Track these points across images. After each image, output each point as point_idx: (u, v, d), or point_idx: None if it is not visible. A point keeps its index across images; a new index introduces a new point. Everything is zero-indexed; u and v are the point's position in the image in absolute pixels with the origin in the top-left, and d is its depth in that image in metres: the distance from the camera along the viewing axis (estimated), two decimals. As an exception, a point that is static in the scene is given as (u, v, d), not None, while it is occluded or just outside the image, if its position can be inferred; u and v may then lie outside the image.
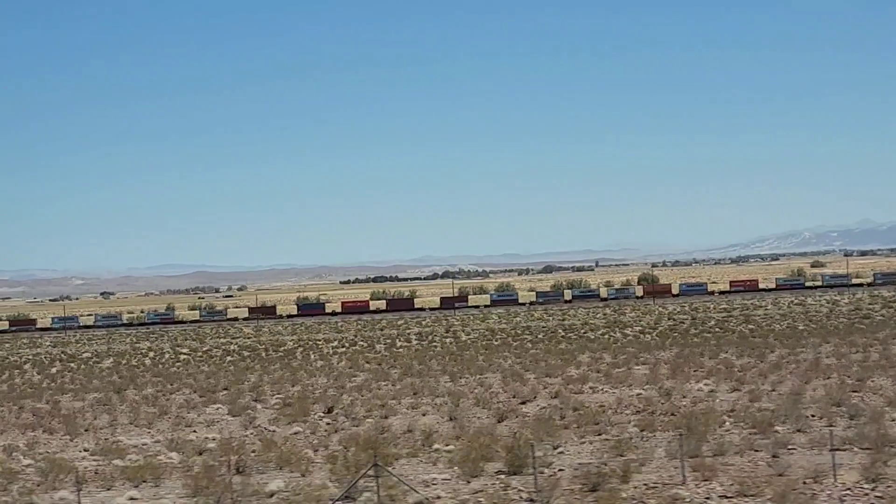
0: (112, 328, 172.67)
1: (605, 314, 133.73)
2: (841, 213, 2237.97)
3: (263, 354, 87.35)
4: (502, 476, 22.71)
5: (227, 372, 66.69)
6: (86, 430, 38.00)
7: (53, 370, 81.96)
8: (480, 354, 68.35)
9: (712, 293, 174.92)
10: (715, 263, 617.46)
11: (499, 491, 21.38)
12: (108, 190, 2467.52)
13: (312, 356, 79.90)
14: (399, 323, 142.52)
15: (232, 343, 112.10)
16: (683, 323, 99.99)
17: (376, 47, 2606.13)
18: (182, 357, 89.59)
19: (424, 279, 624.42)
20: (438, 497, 20.77)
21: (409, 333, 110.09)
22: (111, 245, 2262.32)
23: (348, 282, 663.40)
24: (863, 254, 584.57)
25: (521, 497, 20.68)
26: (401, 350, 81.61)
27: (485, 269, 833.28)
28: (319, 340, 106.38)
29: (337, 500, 19.24)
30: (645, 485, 21.82)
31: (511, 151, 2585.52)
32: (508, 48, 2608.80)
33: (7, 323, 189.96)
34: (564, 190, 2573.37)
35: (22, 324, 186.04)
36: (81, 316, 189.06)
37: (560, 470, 23.60)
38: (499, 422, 33.53)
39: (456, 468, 23.77)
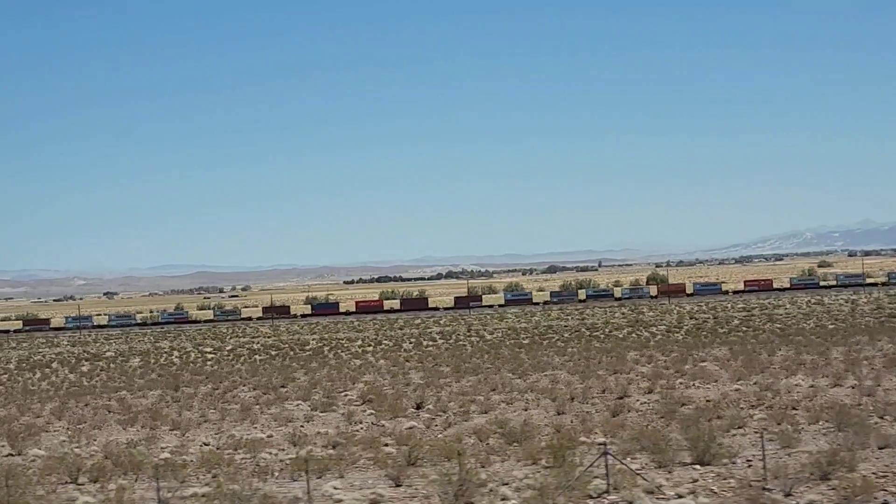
0: (126, 328, 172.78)
1: (623, 313, 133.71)
2: (842, 214, 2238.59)
3: (291, 353, 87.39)
4: (698, 467, 22.64)
5: (269, 370, 66.68)
6: (198, 425, 37.98)
7: (84, 369, 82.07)
8: (519, 353, 68.43)
9: (726, 293, 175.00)
10: (719, 263, 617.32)
11: (719, 480, 21.39)
12: (109, 190, 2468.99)
13: (344, 355, 79.89)
14: (416, 322, 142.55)
15: (253, 342, 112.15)
16: (707, 322, 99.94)
17: (377, 47, 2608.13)
18: (209, 356, 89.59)
19: (428, 279, 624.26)
20: (660, 486, 20.75)
21: (430, 333, 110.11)
22: (112, 245, 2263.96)
23: (352, 282, 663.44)
24: (867, 254, 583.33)
25: (751, 485, 20.49)
26: (430, 349, 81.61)
27: (487, 269, 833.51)
28: (342, 339, 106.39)
29: (565, 488, 19.27)
30: (874, 474, 21.57)
31: (511, 151, 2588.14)
32: (509, 48, 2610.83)
33: (21, 322, 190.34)
34: (565, 190, 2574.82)
35: (35, 323, 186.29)
36: (95, 315, 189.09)
37: (748, 460, 23.59)
38: (613, 416, 33.54)
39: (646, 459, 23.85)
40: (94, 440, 35.21)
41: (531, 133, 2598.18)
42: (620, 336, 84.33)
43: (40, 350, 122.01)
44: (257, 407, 41.98)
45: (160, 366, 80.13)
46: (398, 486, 22.68)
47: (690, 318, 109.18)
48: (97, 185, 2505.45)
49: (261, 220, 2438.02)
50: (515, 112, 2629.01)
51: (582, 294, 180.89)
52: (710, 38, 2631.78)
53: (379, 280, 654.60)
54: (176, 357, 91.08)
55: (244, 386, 54.07)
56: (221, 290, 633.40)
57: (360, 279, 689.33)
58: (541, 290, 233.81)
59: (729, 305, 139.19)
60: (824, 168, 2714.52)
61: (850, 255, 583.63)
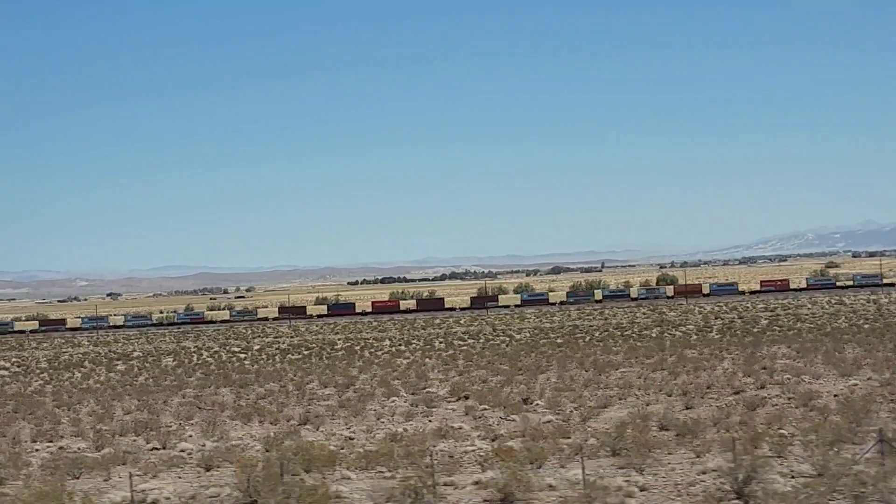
0: (143, 328, 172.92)
1: (644, 314, 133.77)
2: (843, 215, 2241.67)
3: (324, 352, 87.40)
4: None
5: (322, 368, 66.77)
6: (330, 419, 38.31)
7: (120, 368, 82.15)
8: (562, 351, 68.60)
9: (742, 293, 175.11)
10: (724, 264, 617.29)
11: None
12: (108, 191, 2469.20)
13: (383, 354, 79.95)
14: (435, 322, 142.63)
15: (278, 342, 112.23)
16: (735, 322, 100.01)
17: (378, 48, 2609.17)
18: (240, 356, 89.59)
19: (432, 280, 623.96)
20: None
21: (456, 332, 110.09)
22: (112, 246, 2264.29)
23: (356, 283, 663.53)
24: (871, 255, 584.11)
25: None
26: (464, 348, 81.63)
27: (490, 270, 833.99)
28: (368, 339, 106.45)
29: (840, 476, 19.40)
30: None
31: (512, 152, 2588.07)
32: (510, 48, 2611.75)
33: (37, 323, 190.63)
34: (564, 191, 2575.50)
35: (51, 323, 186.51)
36: (110, 316, 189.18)
37: None
38: (751, 410, 33.68)
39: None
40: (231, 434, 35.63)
41: (531, 134, 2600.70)
42: (654, 335, 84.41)
43: (64, 350, 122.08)
44: (361, 404, 41.87)
45: (197, 365, 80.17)
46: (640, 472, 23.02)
47: (716, 319, 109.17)
48: (97, 185, 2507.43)
49: (261, 221, 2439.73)
50: (515, 113, 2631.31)
51: (598, 294, 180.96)
52: (711, 38, 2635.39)
53: (383, 281, 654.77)
54: (207, 357, 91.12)
55: (312, 384, 54.18)
56: (226, 291, 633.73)
57: (364, 280, 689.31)
58: (551, 290, 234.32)
59: (749, 305, 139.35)
60: (825, 169, 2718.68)
61: (854, 256, 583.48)
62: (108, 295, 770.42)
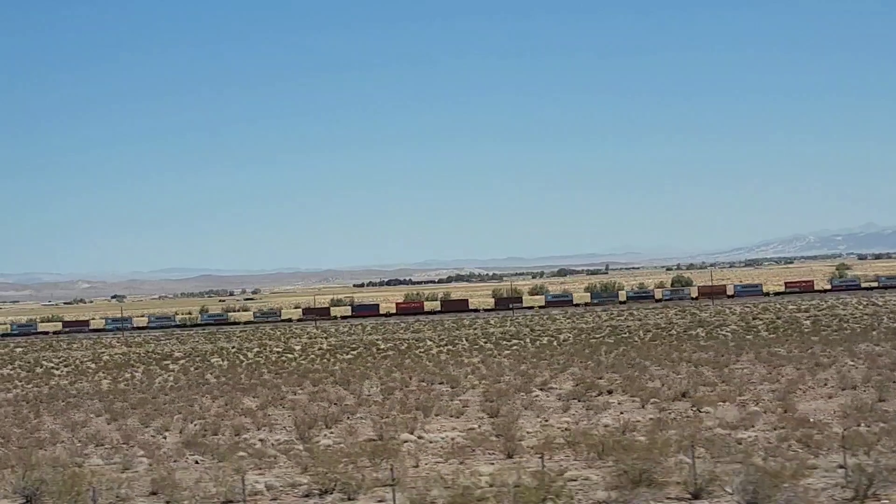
0: (167, 329, 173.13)
1: (676, 314, 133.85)
2: (845, 217, 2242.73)
3: (373, 352, 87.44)
4: None
5: (406, 367, 67.00)
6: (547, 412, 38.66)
7: (173, 367, 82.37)
8: (626, 350, 68.96)
9: (767, 294, 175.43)
10: (730, 266, 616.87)
11: None
12: (108, 193, 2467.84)
13: (439, 354, 79.96)
14: (465, 323, 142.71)
15: (317, 343, 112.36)
16: (775, 322, 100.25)
17: (379, 48, 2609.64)
18: (288, 356, 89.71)
19: (438, 282, 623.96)
20: None
21: (492, 333, 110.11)
22: (113, 249, 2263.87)
23: (362, 285, 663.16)
24: (877, 257, 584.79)
25: None
26: (515, 348, 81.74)
27: (493, 273, 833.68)
28: (408, 340, 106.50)
29: None
30: None
31: (512, 155, 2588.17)
32: (512, 50, 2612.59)
33: (60, 324, 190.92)
34: (564, 194, 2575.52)
35: (75, 325, 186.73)
36: (134, 317, 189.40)
37: None
38: None
39: None
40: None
41: (531, 136, 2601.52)
42: (701, 334, 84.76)
43: (101, 351, 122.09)
44: (502, 399, 42.17)
45: (253, 364, 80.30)
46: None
47: (754, 319, 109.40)
48: (96, 187, 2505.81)
49: (261, 223, 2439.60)
50: (517, 115, 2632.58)
51: (622, 295, 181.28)
52: (711, 40, 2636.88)
53: (389, 283, 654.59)
54: (255, 356, 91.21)
55: (419, 382, 54.56)
56: (231, 293, 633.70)
57: (370, 282, 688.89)
58: (569, 292, 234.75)
59: (779, 306, 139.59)
60: (827, 171, 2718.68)
61: (860, 259, 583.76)
62: (112, 297, 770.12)
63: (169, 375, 73.57)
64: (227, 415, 43.68)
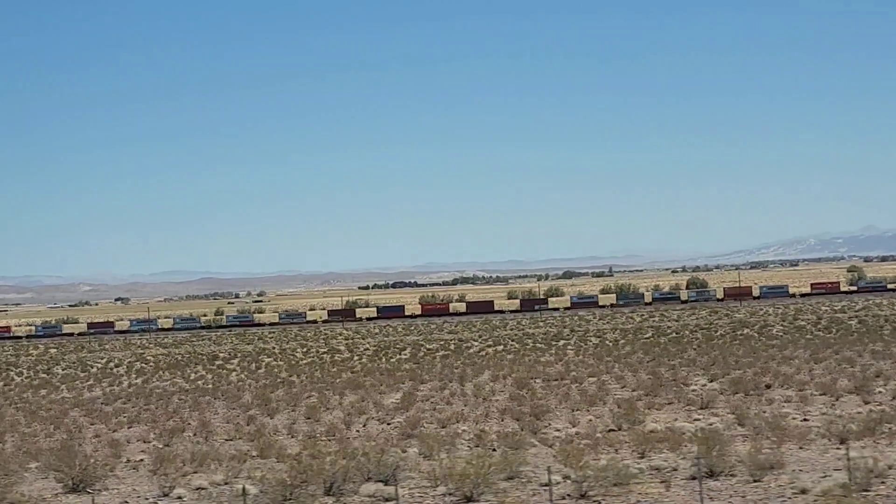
0: (193, 330, 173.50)
1: (708, 315, 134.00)
2: (845, 220, 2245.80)
3: (429, 352, 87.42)
4: None
5: (474, 366, 67.24)
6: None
7: (230, 367, 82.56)
8: (690, 350, 69.32)
9: (793, 295, 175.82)
10: (736, 269, 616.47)
11: None
12: (107, 195, 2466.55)
13: (500, 354, 80.00)
14: (495, 324, 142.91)
15: (357, 342, 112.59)
16: (820, 322, 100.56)
17: (380, 50, 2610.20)
18: (337, 356, 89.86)
19: (443, 284, 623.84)
20: None
21: (532, 334, 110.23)
22: (113, 251, 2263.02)
23: (366, 287, 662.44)
24: (883, 259, 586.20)
25: None
26: (567, 349, 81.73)
27: (496, 275, 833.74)
28: (452, 340, 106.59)
29: None
30: None
31: (512, 158, 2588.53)
32: (509, 51, 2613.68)
33: (85, 325, 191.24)
34: (564, 196, 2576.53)
35: (100, 326, 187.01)
36: (160, 319, 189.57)
37: None
38: None
39: None
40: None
41: (531, 139, 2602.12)
42: (752, 335, 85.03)
43: (141, 352, 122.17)
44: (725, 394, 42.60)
45: (311, 364, 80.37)
46: None
47: (794, 319, 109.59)
48: (96, 190, 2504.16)
49: (260, 226, 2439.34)
50: (516, 118, 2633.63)
51: (648, 297, 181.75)
52: (712, 41, 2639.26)
53: (394, 286, 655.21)
54: (304, 356, 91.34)
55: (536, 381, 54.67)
56: (237, 296, 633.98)
57: (375, 285, 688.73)
58: (580, 293, 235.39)
59: (811, 306, 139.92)
60: (827, 174, 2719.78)
61: (866, 261, 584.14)
62: (116, 300, 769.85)
63: (234, 375, 73.61)
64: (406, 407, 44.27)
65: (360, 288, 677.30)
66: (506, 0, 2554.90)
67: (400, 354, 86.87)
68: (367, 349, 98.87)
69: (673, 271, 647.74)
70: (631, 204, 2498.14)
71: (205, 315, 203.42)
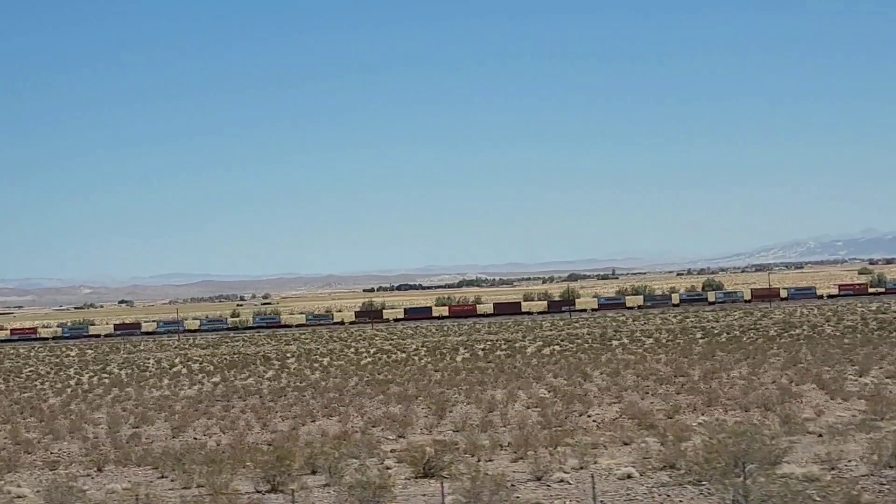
0: (221, 331, 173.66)
1: (742, 316, 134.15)
2: (845, 222, 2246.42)
3: (481, 352, 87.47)
4: None
5: (569, 365, 67.40)
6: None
7: (325, 365, 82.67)
8: (752, 349, 69.58)
9: (821, 297, 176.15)
10: (742, 271, 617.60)
11: None
12: (107, 198, 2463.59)
13: (581, 354, 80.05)
14: (528, 325, 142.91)
15: (400, 343, 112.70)
16: (866, 323, 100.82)
17: (379, 52, 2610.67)
18: (390, 356, 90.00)
19: (448, 287, 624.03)
20: None
21: (576, 335, 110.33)
22: (112, 254, 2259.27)
23: (371, 290, 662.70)
24: (888, 261, 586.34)
25: None
26: (616, 349, 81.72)
27: (498, 278, 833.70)
28: (497, 340, 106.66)
29: None
30: None
31: (511, 160, 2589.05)
32: (510, 54, 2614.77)
33: (112, 327, 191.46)
34: (563, 199, 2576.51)
35: (127, 328, 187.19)
36: (186, 320, 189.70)
37: None
38: None
39: None
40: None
41: (530, 141, 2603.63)
42: (804, 334, 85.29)
43: (182, 352, 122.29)
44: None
45: (372, 364, 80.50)
46: None
47: (839, 320, 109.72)
48: (95, 192, 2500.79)
49: (259, 228, 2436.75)
50: (516, 120, 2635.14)
51: (675, 298, 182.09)
52: (712, 43, 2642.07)
53: (399, 288, 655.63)
54: (359, 356, 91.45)
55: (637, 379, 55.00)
56: (242, 298, 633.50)
57: (381, 287, 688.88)
58: (595, 295, 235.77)
59: (844, 307, 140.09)
60: (827, 176, 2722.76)
61: (871, 264, 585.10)
62: (119, 302, 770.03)
63: (314, 373, 73.69)
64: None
65: (364, 290, 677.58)
66: (506, 2, 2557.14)
67: (458, 354, 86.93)
68: (418, 349, 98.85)
69: (678, 273, 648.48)
70: (630, 206, 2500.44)
71: (218, 316, 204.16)
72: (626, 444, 31.78)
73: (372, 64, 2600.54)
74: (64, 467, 34.26)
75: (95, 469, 33.28)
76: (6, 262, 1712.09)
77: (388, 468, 27.93)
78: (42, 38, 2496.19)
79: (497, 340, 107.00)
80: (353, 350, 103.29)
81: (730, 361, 60.89)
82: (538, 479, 26.29)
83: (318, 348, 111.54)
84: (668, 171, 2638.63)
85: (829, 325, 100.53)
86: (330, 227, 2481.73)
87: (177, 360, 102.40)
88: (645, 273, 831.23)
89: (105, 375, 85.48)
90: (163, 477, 30.95)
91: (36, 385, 77.54)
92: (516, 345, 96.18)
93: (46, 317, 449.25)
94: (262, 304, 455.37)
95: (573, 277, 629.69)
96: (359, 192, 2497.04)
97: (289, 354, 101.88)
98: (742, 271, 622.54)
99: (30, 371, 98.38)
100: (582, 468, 27.17)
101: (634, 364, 63.69)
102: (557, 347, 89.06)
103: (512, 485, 24.82)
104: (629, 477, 24.94)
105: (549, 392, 50.07)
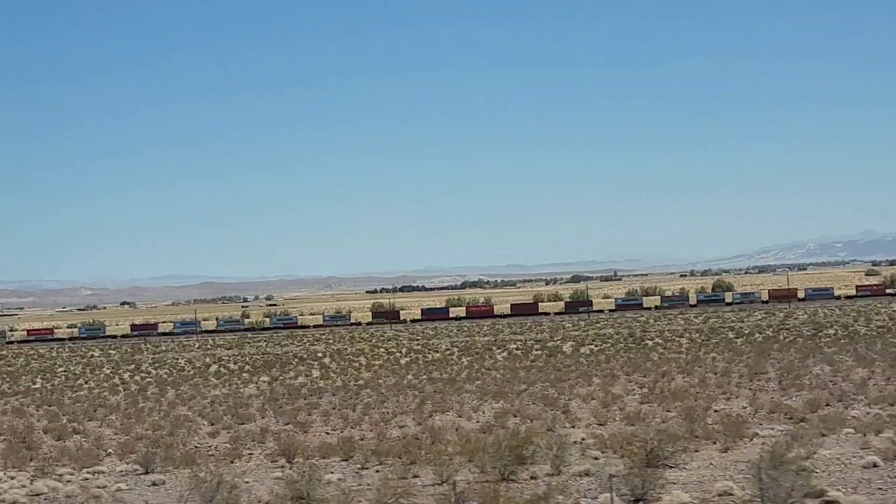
0: (238, 332, 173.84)
1: (764, 316, 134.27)
2: (844, 224, 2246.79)
3: (545, 352, 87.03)
4: None
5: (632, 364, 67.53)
6: None
7: (363, 365, 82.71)
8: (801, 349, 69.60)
9: (838, 297, 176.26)
10: (745, 273, 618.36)
11: None
12: (106, 200, 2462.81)
13: (636, 355, 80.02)
14: (550, 325, 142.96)
15: (430, 343, 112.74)
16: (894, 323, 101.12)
17: (378, 56, 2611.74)
18: (429, 356, 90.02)
19: (452, 288, 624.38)
20: None
21: (605, 335, 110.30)
22: (111, 255, 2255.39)
23: (374, 291, 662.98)
24: (892, 263, 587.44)
25: None
26: (657, 349, 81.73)
27: (500, 280, 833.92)
28: (526, 340, 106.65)
29: None
30: None
31: (510, 162, 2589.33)
32: (510, 57, 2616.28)
33: (129, 327, 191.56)
34: (562, 201, 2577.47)
35: (143, 328, 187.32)
36: (203, 321, 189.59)
37: None
38: None
39: None
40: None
41: (529, 144, 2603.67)
42: (838, 335, 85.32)
43: (211, 352, 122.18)
44: None
45: (412, 363, 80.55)
46: None
47: (868, 321, 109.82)
48: (93, 195, 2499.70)
49: (258, 230, 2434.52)
50: (515, 123, 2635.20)
51: (692, 299, 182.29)
52: (711, 47, 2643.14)
53: (402, 290, 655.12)
54: (399, 354, 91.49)
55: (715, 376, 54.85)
56: (245, 300, 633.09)
57: (383, 289, 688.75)
58: (606, 297, 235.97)
59: (864, 308, 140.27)
60: (826, 178, 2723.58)
61: (874, 265, 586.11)
62: (122, 304, 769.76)
63: (356, 373, 73.66)
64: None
65: (368, 292, 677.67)
66: (507, 5, 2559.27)
67: (497, 354, 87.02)
68: (448, 349, 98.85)
69: (681, 275, 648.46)
70: (629, 208, 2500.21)
71: (230, 317, 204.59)
72: (823, 434, 30.89)
73: (371, 67, 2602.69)
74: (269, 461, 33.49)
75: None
76: (6, 264, 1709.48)
77: (595, 458, 27.63)
78: (43, 43, 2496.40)
79: (526, 341, 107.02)
80: (383, 350, 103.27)
81: (795, 360, 60.81)
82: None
83: (345, 349, 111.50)
84: (668, 173, 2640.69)
85: (858, 326, 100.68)
86: (327, 229, 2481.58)
87: (207, 360, 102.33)
88: (647, 274, 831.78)
89: (144, 375, 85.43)
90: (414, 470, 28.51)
91: (80, 384, 77.49)
92: (548, 345, 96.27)
93: (52, 318, 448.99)
94: (267, 304, 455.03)
95: (576, 279, 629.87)
96: (356, 194, 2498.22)
97: (319, 354, 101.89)
98: (745, 272, 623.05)
99: (62, 371, 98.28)
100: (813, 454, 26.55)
101: (691, 363, 63.71)
102: (593, 347, 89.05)
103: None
104: (875, 466, 24.65)
105: (643, 388, 50.04)
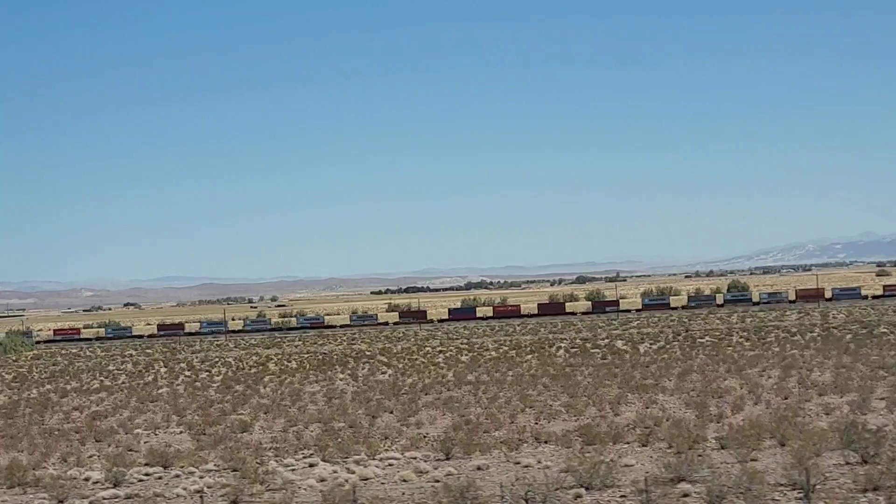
0: (264, 332, 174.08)
1: (803, 316, 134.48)
2: (844, 225, 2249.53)
3: (587, 351, 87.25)
4: None
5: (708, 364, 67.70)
6: None
7: (426, 364, 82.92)
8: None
9: (865, 297, 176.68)
10: (750, 273, 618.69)
11: None
12: (105, 201, 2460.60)
13: (674, 354, 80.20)
14: (585, 324, 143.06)
15: (468, 343, 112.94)
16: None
17: (377, 56, 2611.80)
18: (486, 354, 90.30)
19: (457, 289, 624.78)
20: None
21: (648, 333, 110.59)
22: (111, 257, 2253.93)
23: (379, 292, 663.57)
24: (895, 264, 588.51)
25: None
26: (719, 347, 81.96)
27: (505, 280, 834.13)
28: (573, 340, 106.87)
29: None
30: None
31: (509, 164, 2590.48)
32: (509, 58, 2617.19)
33: (155, 327, 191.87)
34: (561, 202, 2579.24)
35: (169, 328, 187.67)
36: (230, 321, 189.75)
37: None
38: None
39: None
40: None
41: (528, 145, 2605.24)
42: (891, 334, 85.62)
43: (250, 353, 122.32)
44: None
45: (471, 364, 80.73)
46: None
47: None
48: (94, 196, 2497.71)
49: (258, 231, 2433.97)
50: (515, 123, 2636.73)
51: (720, 299, 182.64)
52: (711, 47, 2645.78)
53: (407, 290, 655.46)
54: (452, 354, 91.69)
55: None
56: (251, 300, 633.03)
57: (388, 290, 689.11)
58: (623, 297, 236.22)
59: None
60: (826, 179, 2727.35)
61: (878, 266, 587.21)
62: (126, 304, 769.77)
63: (433, 371, 73.80)
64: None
65: (372, 293, 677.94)
66: (507, 5, 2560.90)
67: (557, 351, 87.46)
68: (500, 348, 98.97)
69: (686, 276, 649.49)
70: (629, 208, 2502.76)
71: (245, 317, 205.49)
72: None
73: (371, 67, 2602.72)
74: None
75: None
76: (7, 265, 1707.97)
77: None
78: (43, 43, 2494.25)
79: (574, 339, 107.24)
80: (428, 349, 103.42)
81: (885, 356, 61.17)
82: None
83: (390, 347, 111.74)
84: (668, 174, 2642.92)
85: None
86: (328, 230, 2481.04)
87: (253, 360, 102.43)
88: (649, 275, 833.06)
89: (205, 374, 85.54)
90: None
91: (166, 382, 77.60)
92: (598, 343, 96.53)
93: (60, 318, 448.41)
94: (276, 305, 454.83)
95: (581, 279, 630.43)
96: (355, 195, 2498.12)
97: (367, 353, 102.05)
98: (750, 273, 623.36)
99: (114, 370, 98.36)
100: None
101: (766, 360, 64.06)
102: (649, 345, 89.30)
103: None
104: None
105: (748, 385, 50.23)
